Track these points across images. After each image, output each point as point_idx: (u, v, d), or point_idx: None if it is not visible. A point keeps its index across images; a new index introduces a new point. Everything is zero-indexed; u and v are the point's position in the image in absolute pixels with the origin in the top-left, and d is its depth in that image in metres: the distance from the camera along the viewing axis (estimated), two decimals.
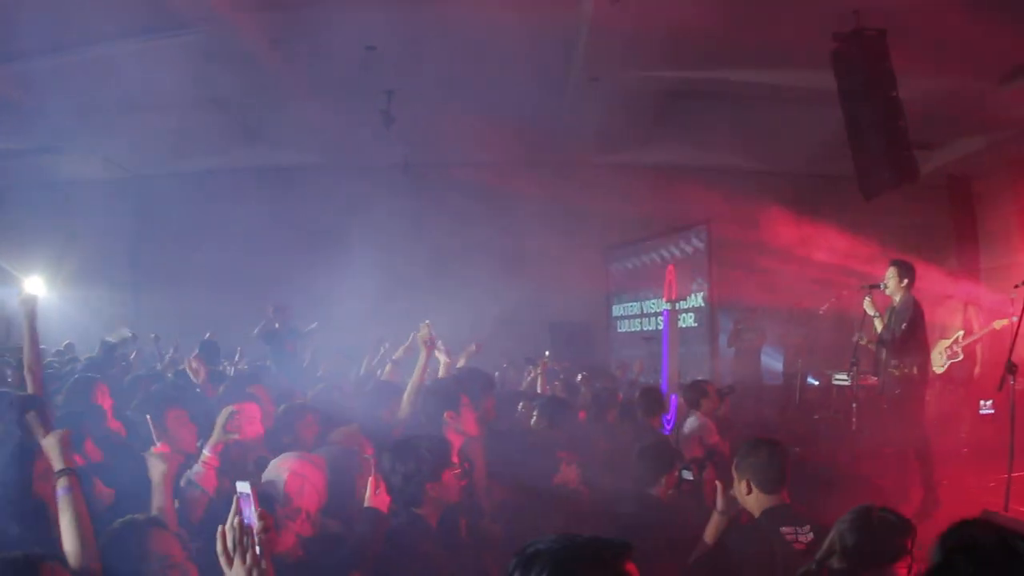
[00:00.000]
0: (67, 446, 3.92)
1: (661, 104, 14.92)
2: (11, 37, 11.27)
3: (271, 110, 15.11)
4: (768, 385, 15.64)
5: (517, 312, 16.25)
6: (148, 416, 4.92)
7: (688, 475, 5.83)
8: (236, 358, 12.12)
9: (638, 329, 17.89)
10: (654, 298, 17.19)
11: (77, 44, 11.78)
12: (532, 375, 10.78)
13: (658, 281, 16.60)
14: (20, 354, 6.94)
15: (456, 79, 13.31)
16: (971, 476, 9.59)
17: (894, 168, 10.26)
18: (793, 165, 17.00)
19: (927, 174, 12.87)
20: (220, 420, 4.97)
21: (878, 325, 9.37)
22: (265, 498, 3.51)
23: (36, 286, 15.99)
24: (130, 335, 13.20)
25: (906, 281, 9.21)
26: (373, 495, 4.33)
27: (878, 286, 9.46)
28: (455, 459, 4.72)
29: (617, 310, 19.10)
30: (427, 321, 6.89)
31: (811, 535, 4.36)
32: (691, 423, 8.87)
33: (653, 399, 9.30)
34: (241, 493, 2.80)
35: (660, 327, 16.16)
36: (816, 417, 13.06)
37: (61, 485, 3.78)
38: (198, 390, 8.16)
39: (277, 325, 12.81)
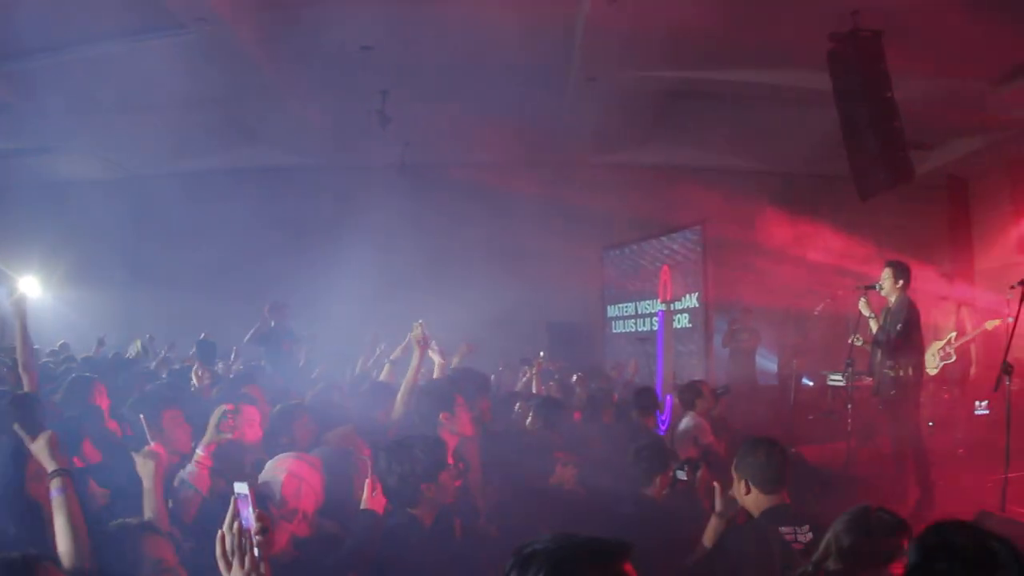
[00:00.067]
0: (56, 447, 3.90)
1: (658, 104, 14.93)
2: (7, 37, 11.27)
3: (267, 110, 15.10)
4: (763, 386, 15.65)
5: (514, 312, 16.26)
6: (141, 416, 4.90)
7: (682, 475, 5.82)
8: (232, 358, 12.10)
9: (633, 330, 17.88)
10: (649, 299, 17.19)
11: (73, 44, 11.78)
12: (527, 375, 10.77)
13: (653, 282, 16.61)
14: (15, 354, 6.92)
15: (453, 79, 13.32)
16: (967, 476, 9.58)
17: (890, 169, 10.27)
18: (789, 165, 17.03)
19: (923, 174, 12.90)
20: (213, 420, 4.95)
21: (873, 326, 9.36)
22: (262, 499, 3.50)
23: (31, 286, 16.05)
24: (139, 347, 13.23)
25: (901, 282, 9.19)
26: (370, 497, 4.32)
27: (873, 287, 9.45)
28: (450, 460, 4.72)
29: (612, 311, 19.08)
30: (420, 320, 6.87)
31: (810, 535, 4.35)
32: (686, 423, 8.86)
33: (647, 399, 9.30)
34: (239, 494, 2.78)
35: (655, 328, 16.18)
36: (810, 418, 13.08)
37: (55, 486, 3.76)
38: (193, 389, 8.15)
39: (273, 324, 12.78)
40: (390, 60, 12.61)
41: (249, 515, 2.74)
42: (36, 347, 12.43)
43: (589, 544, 2.19)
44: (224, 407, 5.07)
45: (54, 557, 3.57)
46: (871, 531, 3.66)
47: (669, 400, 12.22)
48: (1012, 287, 8.11)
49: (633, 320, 18.09)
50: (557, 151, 17.04)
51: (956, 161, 15.98)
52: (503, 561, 2.22)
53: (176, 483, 4.84)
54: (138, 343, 13.23)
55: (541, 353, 11.53)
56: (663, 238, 17.35)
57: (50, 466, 3.83)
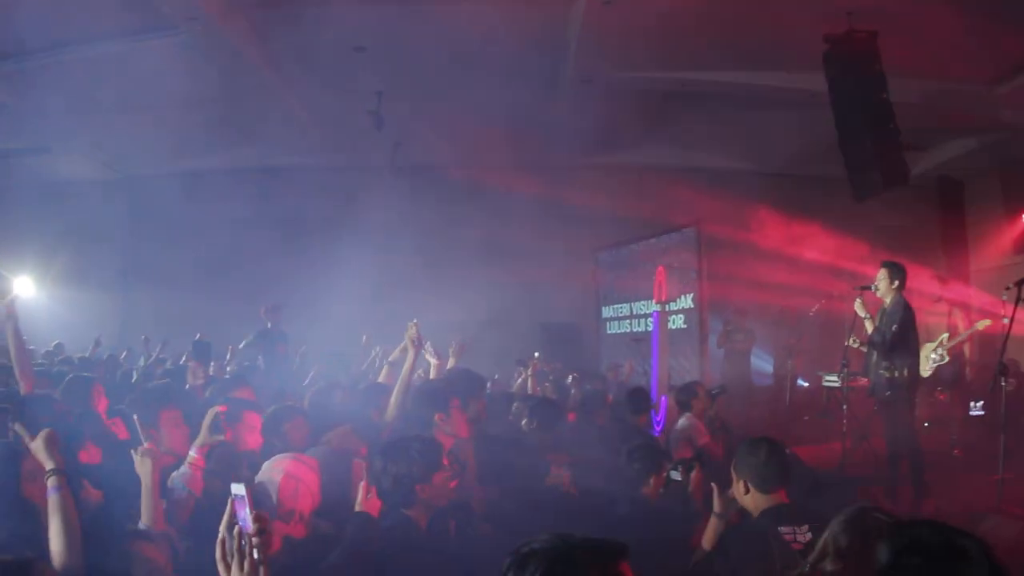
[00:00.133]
0: (55, 446, 3.89)
1: (653, 105, 14.93)
2: (2, 36, 11.23)
3: (263, 110, 15.06)
4: (758, 386, 15.66)
5: (509, 312, 16.24)
6: (135, 416, 4.88)
7: (676, 476, 5.83)
8: (227, 358, 12.08)
9: (628, 331, 17.87)
10: (644, 299, 17.17)
11: (69, 44, 11.76)
12: (522, 377, 10.76)
13: (648, 282, 16.58)
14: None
15: (447, 81, 13.31)
16: (962, 477, 9.59)
17: (885, 170, 10.28)
18: (784, 166, 17.03)
19: (917, 175, 12.91)
20: (206, 421, 4.92)
21: (868, 327, 9.36)
22: (259, 500, 3.48)
23: (26, 286, 16.00)
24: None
25: (896, 283, 9.19)
26: (364, 500, 4.31)
27: (869, 288, 9.45)
28: (445, 461, 4.70)
29: (607, 311, 19.06)
30: (414, 320, 6.85)
31: (809, 535, 4.34)
32: (681, 424, 8.85)
33: (640, 399, 9.30)
34: (236, 495, 2.76)
35: (650, 329, 16.14)
36: (806, 418, 13.09)
37: (51, 484, 3.77)
38: (187, 387, 8.11)
39: (269, 325, 12.76)
40: (384, 61, 12.60)
41: (246, 516, 2.71)
42: (31, 347, 12.46)
43: (587, 544, 2.19)
44: (217, 409, 5.04)
45: (48, 558, 3.56)
46: (868, 531, 3.65)
47: (664, 401, 12.21)
48: (1007, 288, 8.12)
49: (628, 321, 18.07)
50: (552, 152, 17.01)
51: (951, 162, 16.02)
52: (498, 562, 2.21)
53: (169, 484, 4.81)
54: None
55: (536, 354, 11.52)
56: (657, 239, 17.34)
57: (48, 464, 3.83)
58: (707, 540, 4.84)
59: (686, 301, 16.24)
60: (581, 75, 13.11)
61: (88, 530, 3.86)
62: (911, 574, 2.35)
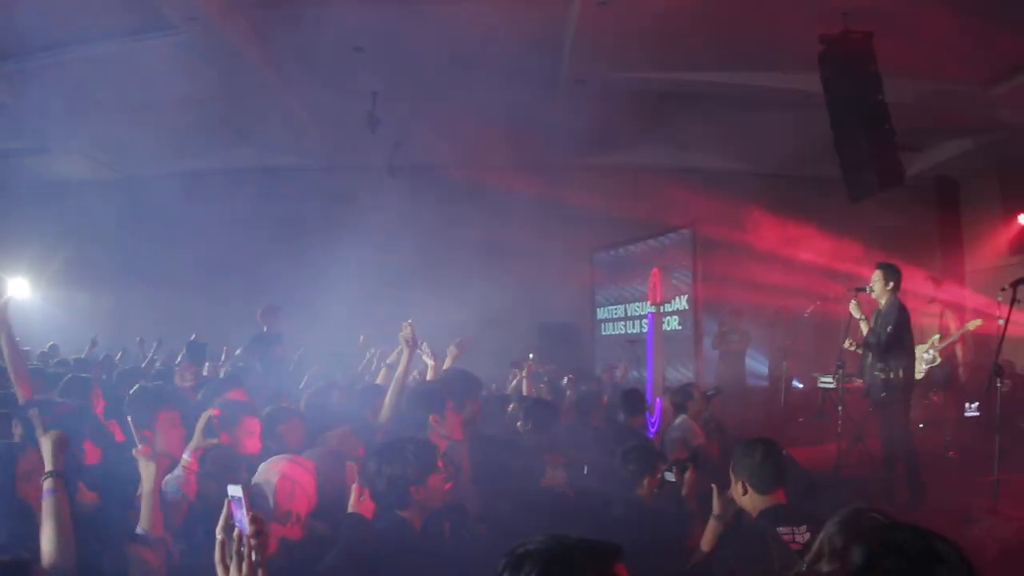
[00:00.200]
0: (60, 449, 3.89)
1: (648, 106, 14.93)
2: (0, 36, 11.22)
3: (262, 111, 15.05)
4: (753, 388, 15.66)
5: (504, 313, 16.21)
6: (128, 418, 4.86)
7: (670, 476, 5.83)
8: (223, 358, 12.04)
9: (623, 332, 17.87)
10: (639, 301, 17.18)
11: (67, 44, 11.74)
12: (517, 378, 10.75)
13: (643, 284, 16.59)
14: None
15: (444, 81, 13.30)
16: (958, 478, 9.59)
17: (880, 171, 10.28)
18: (779, 167, 17.04)
19: (913, 176, 12.92)
20: (200, 425, 4.90)
21: (864, 328, 9.36)
22: (256, 502, 3.47)
23: (20, 287, 15.96)
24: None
25: (892, 284, 9.20)
26: (357, 501, 4.29)
27: (864, 289, 9.45)
28: (440, 463, 4.69)
29: (602, 313, 19.07)
30: (409, 320, 6.83)
31: (807, 535, 4.35)
32: (677, 426, 8.85)
33: (634, 400, 9.31)
34: (233, 497, 2.75)
35: (645, 330, 16.15)
36: (801, 420, 13.09)
37: (47, 485, 3.77)
38: (178, 390, 8.10)
39: (265, 328, 12.73)
40: (382, 62, 12.60)
41: (243, 518, 2.70)
42: (27, 348, 12.43)
43: (582, 545, 2.19)
44: (211, 412, 5.02)
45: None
46: (863, 532, 3.64)
47: (659, 403, 12.21)
48: (1003, 289, 8.12)
49: (623, 322, 18.07)
50: (547, 153, 17.03)
51: (946, 162, 16.03)
52: (493, 564, 2.21)
53: (163, 487, 4.80)
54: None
55: (531, 355, 11.51)
56: (653, 240, 17.35)
57: (48, 465, 3.83)
58: (706, 541, 4.84)
59: (681, 302, 16.25)
60: (576, 76, 13.10)
61: (83, 532, 3.85)
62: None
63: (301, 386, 9.68)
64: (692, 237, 16.10)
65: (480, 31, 11.25)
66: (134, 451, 4.59)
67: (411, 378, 7.80)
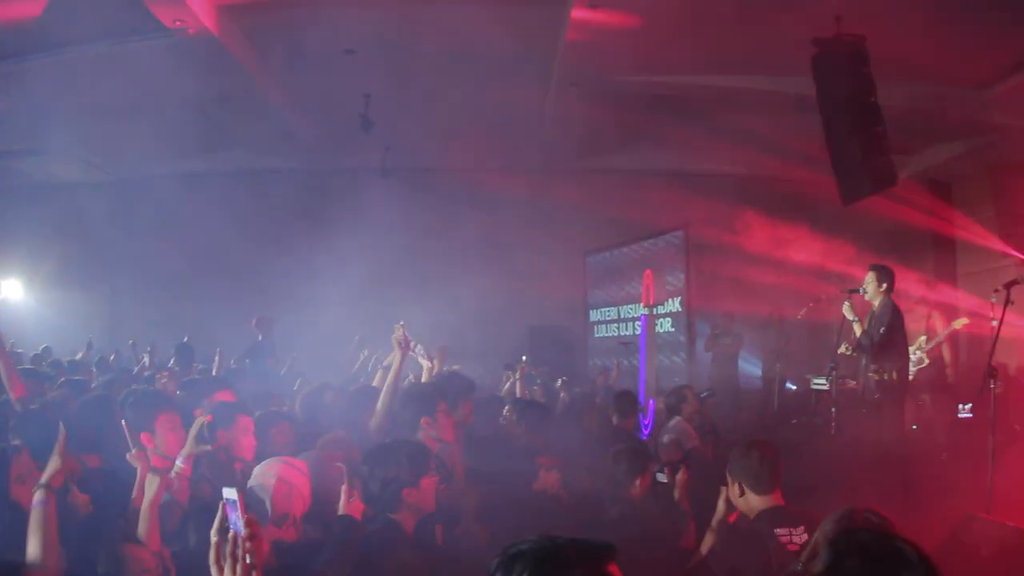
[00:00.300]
0: (63, 470, 3.91)
1: (640, 109, 14.92)
2: None
3: (251, 113, 15.04)
4: (746, 390, 15.67)
5: (497, 315, 16.24)
6: (123, 421, 4.84)
7: (663, 477, 5.85)
8: (215, 361, 12.00)
9: (616, 334, 17.88)
10: (632, 303, 17.18)
11: (58, 46, 11.69)
12: (510, 380, 10.75)
13: (636, 286, 16.60)
14: None
15: (436, 84, 13.31)
16: (951, 479, 9.59)
17: (873, 173, 10.27)
18: (771, 170, 17.03)
19: (905, 178, 12.91)
20: (192, 431, 4.89)
21: (857, 329, 9.37)
22: (253, 505, 3.47)
23: (13, 289, 15.91)
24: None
25: (885, 285, 9.22)
26: (346, 503, 4.29)
27: (857, 291, 9.46)
28: (432, 465, 4.69)
29: (595, 315, 19.08)
30: (401, 322, 6.82)
31: (805, 536, 4.38)
32: (671, 427, 8.86)
33: (627, 402, 9.32)
34: (227, 499, 2.75)
35: (638, 332, 16.15)
36: (794, 422, 13.08)
37: (37, 496, 3.76)
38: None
39: (260, 338, 12.72)
40: (374, 64, 12.59)
41: (238, 520, 2.69)
42: (20, 351, 12.39)
43: (574, 545, 2.19)
44: (204, 418, 5.01)
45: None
46: (839, 535, 3.65)
47: (652, 404, 12.21)
48: (996, 290, 8.14)
49: (616, 324, 18.09)
50: (540, 155, 17.05)
51: (939, 165, 16.04)
52: (485, 567, 2.21)
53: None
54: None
55: (524, 358, 11.52)
56: (645, 242, 17.37)
57: (44, 477, 3.83)
58: (706, 544, 4.86)
59: (674, 304, 16.27)
60: (569, 78, 13.09)
61: (77, 536, 3.85)
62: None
63: (295, 388, 9.67)
64: (684, 239, 16.12)
65: (472, 33, 11.24)
66: (128, 456, 4.59)
67: (407, 380, 7.80)
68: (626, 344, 16.35)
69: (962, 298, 14.39)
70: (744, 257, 15.53)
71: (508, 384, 10.90)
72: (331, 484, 4.97)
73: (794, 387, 14.60)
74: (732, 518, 4.91)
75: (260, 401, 7.24)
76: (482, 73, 12.51)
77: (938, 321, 12.18)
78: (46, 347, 14.30)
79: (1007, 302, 7.79)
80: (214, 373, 10.93)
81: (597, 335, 18.95)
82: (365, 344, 11.39)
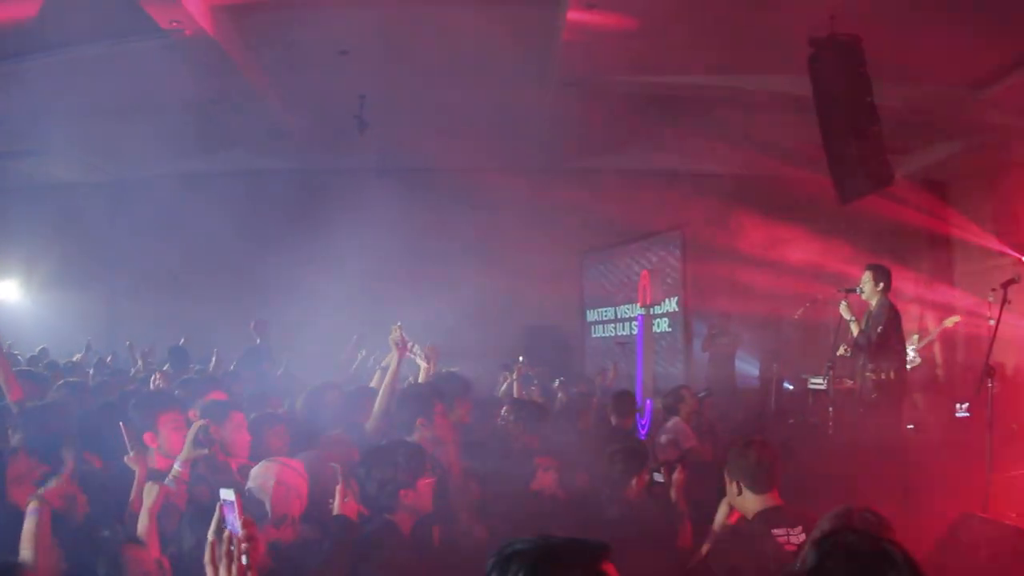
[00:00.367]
0: (63, 499, 3.91)
1: (637, 109, 14.91)
2: None
3: (249, 114, 15.01)
4: (743, 390, 15.66)
5: (493, 315, 16.22)
6: (121, 423, 4.84)
7: (659, 477, 5.85)
8: (212, 361, 11.99)
9: (613, 334, 17.88)
10: (629, 303, 17.17)
11: (54, 47, 11.68)
12: (508, 381, 10.74)
13: (633, 286, 16.59)
14: None
15: (433, 84, 13.29)
16: (948, 479, 9.59)
17: (869, 173, 10.27)
18: (768, 170, 17.03)
19: (902, 178, 12.92)
20: (190, 435, 4.88)
21: (854, 329, 9.37)
22: (251, 506, 3.47)
23: (10, 290, 15.88)
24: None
25: (882, 285, 9.23)
26: (341, 503, 4.28)
27: (854, 290, 9.47)
28: (428, 466, 4.69)
29: (591, 315, 19.07)
30: (398, 323, 6.82)
31: (803, 536, 4.37)
32: (668, 428, 8.86)
33: (625, 402, 9.32)
34: (225, 500, 2.75)
35: (634, 332, 16.14)
36: (791, 422, 13.08)
37: (31, 506, 3.75)
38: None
39: (258, 341, 12.71)
40: (369, 65, 12.58)
41: (235, 521, 2.69)
42: (16, 353, 12.36)
43: (569, 544, 2.21)
44: (202, 422, 5.00)
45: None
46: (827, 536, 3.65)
47: (649, 404, 12.20)
48: (993, 290, 8.15)
49: (613, 324, 18.08)
50: (537, 155, 17.04)
51: (935, 165, 16.06)
52: (482, 567, 2.22)
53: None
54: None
55: (520, 358, 11.51)
56: (642, 242, 17.37)
57: (43, 490, 3.83)
58: (706, 545, 4.86)
59: (671, 305, 16.27)
60: (565, 78, 13.08)
61: (76, 538, 3.85)
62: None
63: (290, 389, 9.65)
64: (681, 239, 16.12)
65: (468, 33, 11.24)
66: (126, 458, 4.59)
67: (407, 382, 7.78)
68: (623, 344, 16.33)
69: (959, 297, 14.40)
70: (741, 257, 15.53)
71: (505, 384, 10.89)
72: (328, 484, 4.98)
73: (791, 387, 14.60)
74: (732, 519, 4.91)
75: (256, 403, 7.23)
76: (479, 73, 12.50)
77: (930, 321, 12.20)
78: (43, 348, 14.27)
79: (1004, 301, 7.80)
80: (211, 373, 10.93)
81: (594, 335, 18.94)
82: (363, 344, 11.38)
